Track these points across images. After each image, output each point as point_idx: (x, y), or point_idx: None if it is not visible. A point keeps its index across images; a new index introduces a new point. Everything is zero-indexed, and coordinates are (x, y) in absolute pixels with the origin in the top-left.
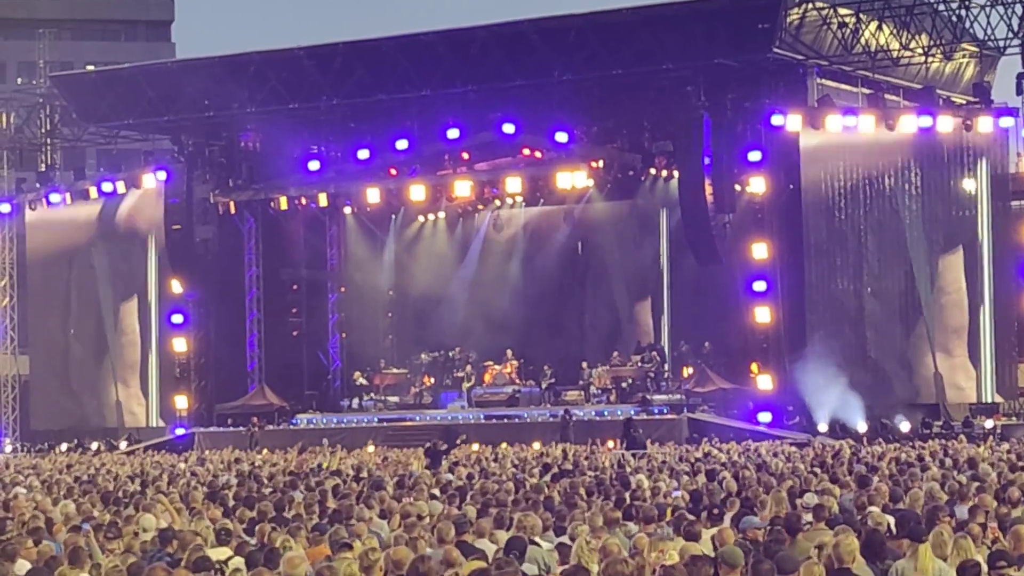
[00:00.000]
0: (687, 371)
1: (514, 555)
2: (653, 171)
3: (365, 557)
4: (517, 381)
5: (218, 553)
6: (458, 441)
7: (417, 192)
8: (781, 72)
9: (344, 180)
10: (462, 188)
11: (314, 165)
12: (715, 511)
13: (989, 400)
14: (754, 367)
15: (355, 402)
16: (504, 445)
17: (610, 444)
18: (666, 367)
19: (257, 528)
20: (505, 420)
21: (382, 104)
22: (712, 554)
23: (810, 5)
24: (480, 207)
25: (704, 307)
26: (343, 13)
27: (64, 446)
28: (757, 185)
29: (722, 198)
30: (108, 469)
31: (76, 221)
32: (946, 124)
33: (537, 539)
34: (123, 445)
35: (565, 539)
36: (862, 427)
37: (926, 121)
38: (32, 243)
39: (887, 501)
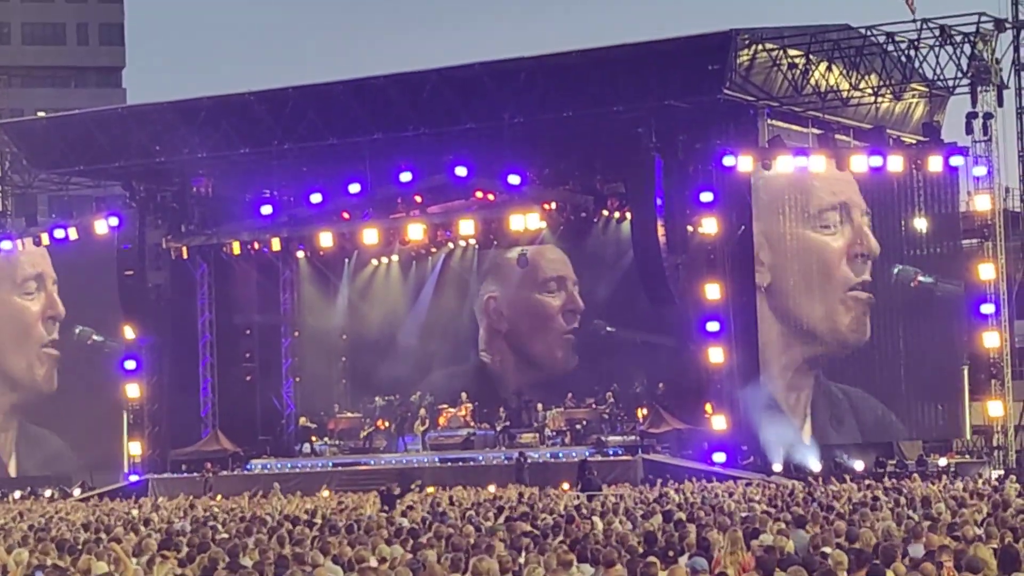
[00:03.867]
0: (641, 412)
1: None
2: (606, 212)
3: None
4: (472, 424)
5: None
6: (413, 486)
7: (370, 236)
8: (732, 113)
9: (297, 224)
10: (415, 231)
11: (266, 209)
12: (671, 553)
13: (942, 438)
14: (708, 407)
15: (309, 446)
16: (459, 488)
17: (565, 486)
18: (620, 408)
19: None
20: (460, 463)
21: (334, 148)
22: None
23: (760, 47)
24: (433, 250)
25: (658, 348)
26: (294, 58)
27: (17, 493)
28: (709, 226)
29: (674, 239)
30: (62, 517)
31: (29, 265)
32: (896, 164)
33: None
34: (77, 492)
35: None
36: (816, 466)
37: (876, 161)
38: None
39: (843, 540)
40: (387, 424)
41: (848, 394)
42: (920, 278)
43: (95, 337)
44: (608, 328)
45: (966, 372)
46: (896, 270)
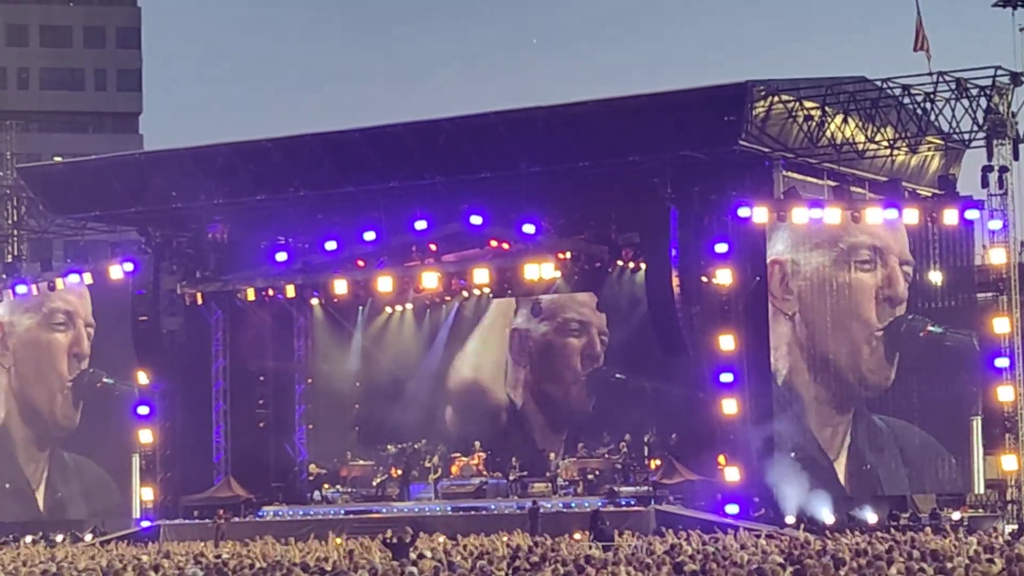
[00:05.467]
0: (654, 463)
1: None
2: (620, 263)
3: None
4: (484, 473)
5: None
6: (406, 539)
7: (384, 283)
8: (747, 164)
9: (311, 271)
10: (429, 279)
11: (281, 256)
12: None
13: (955, 492)
14: (721, 459)
15: (321, 494)
16: (471, 537)
17: (577, 536)
18: (633, 459)
19: None
20: (472, 512)
21: (350, 195)
22: None
23: (776, 98)
24: (447, 298)
25: (671, 398)
26: (310, 105)
27: (29, 538)
28: (724, 277)
29: (689, 289)
30: (72, 562)
31: (60, 299)
32: (912, 216)
33: None
34: (88, 537)
35: None
36: (829, 519)
37: (892, 214)
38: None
39: None
40: (400, 472)
41: (891, 426)
42: (930, 328)
43: (105, 380)
44: (617, 375)
45: (977, 425)
46: (908, 319)
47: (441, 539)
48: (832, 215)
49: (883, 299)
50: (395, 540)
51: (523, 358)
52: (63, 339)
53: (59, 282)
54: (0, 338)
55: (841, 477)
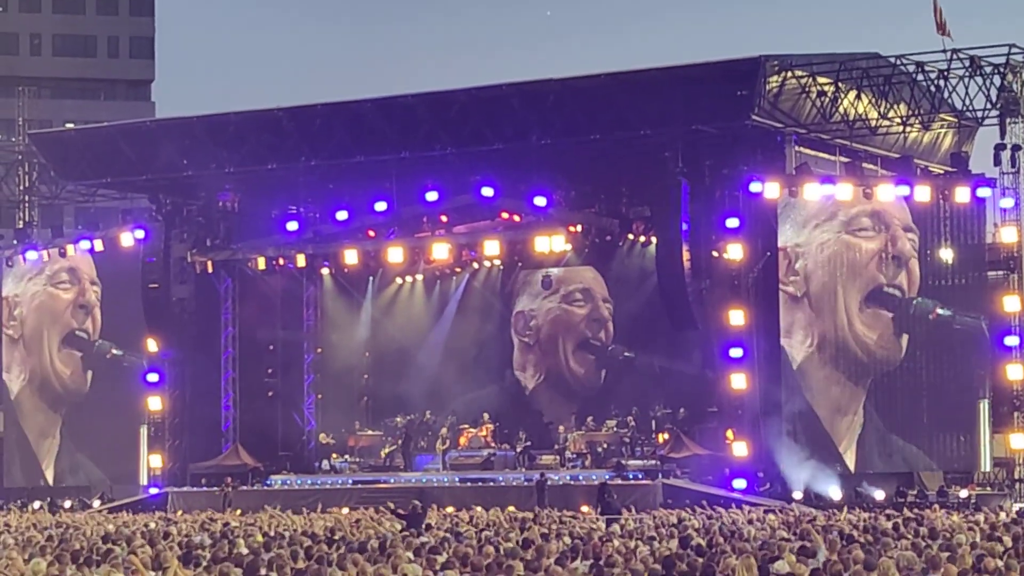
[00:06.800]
0: (662, 437)
1: None
2: (631, 236)
3: None
4: (492, 444)
5: None
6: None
7: (395, 254)
8: (759, 139)
9: (322, 241)
10: (440, 251)
11: (292, 226)
12: None
13: (963, 470)
14: (729, 434)
15: (329, 463)
16: (478, 508)
17: (584, 509)
18: (641, 432)
19: None
20: (480, 483)
21: (361, 165)
22: None
23: (789, 73)
24: (458, 270)
25: (680, 372)
26: (323, 75)
27: (37, 504)
28: (734, 252)
29: (699, 264)
30: (79, 527)
31: (47, 273)
32: (923, 194)
33: None
34: (96, 504)
35: None
36: (836, 495)
37: (903, 190)
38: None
39: (860, 569)
40: (400, 442)
41: (903, 448)
42: (939, 310)
43: (114, 351)
44: (627, 353)
45: (985, 405)
46: (915, 302)
47: (450, 509)
48: (844, 191)
49: (889, 258)
50: (410, 511)
51: (529, 336)
52: (67, 295)
53: (70, 248)
54: (8, 311)
55: (850, 463)
